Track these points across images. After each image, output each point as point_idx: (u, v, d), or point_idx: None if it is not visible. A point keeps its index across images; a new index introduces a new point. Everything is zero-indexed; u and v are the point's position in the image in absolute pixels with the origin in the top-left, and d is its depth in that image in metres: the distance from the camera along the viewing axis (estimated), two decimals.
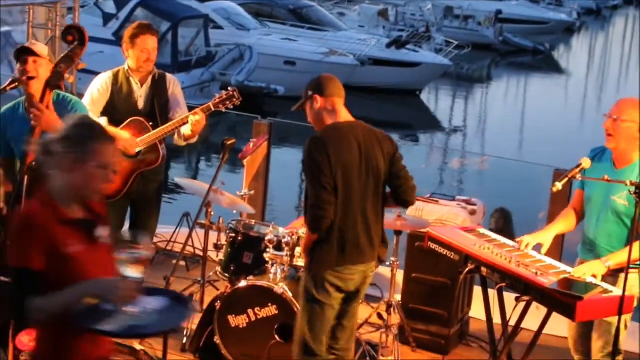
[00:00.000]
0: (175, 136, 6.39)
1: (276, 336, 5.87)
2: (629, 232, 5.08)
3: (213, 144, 19.12)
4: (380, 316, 6.69)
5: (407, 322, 6.76)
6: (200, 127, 6.25)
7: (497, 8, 43.59)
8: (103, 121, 6.28)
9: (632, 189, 4.74)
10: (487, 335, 5.50)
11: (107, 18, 23.56)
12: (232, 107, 6.31)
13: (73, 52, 5.17)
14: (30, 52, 5.20)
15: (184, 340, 6.47)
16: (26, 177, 4.98)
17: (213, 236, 7.06)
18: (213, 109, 6.25)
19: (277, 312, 5.90)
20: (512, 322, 5.12)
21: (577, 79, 38.91)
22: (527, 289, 4.82)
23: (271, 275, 6.00)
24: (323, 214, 5.00)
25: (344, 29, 31.04)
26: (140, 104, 6.44)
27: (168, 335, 5.32)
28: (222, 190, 6.63)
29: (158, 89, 6.48)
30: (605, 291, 4.80)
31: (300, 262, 6.09)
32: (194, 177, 16.23)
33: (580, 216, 5.48)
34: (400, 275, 6.93)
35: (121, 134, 6.26)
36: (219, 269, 6.48)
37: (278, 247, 6.08)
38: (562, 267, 5.11)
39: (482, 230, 5.67)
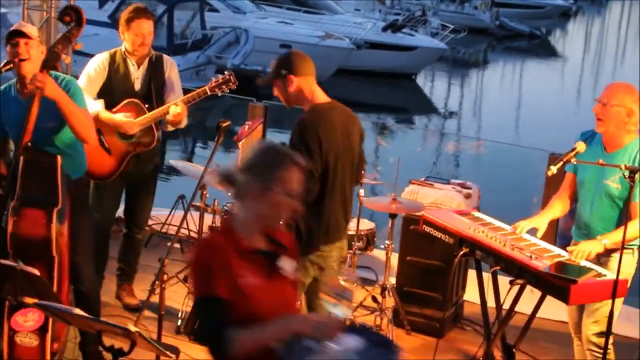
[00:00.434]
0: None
1: None
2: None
3: (209, 128, 19.15)
4: (374, 299, 6.70)
5: (402, 305, 6.77)
6: (180, 118, 6.26)
7: None
8: (100, 104, 6.29)
9: (627, 173, 4.76)
10: (481, 318, 5.52)
11: (102, 0, 23.49)
12: (228, 91, 6.31)
13: (70, 32, 5.16)
14: (21, 34, 5.18)
15: (179, 323, 6.48)
16: (22, 159, 4.98)
17: (208, 218, 7.07)
18: (209, 93, 6.25)
19: None
20: (506, 306, 5.14)
21: (573, 64, 38.92)
22: (522, 273, 4.84)
23: None
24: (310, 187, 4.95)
25: (340, 13, 31.02)
26: (137, 86, 6.44)
27: (162, 317, 5.34)
28: None
29: (155, 71, 6.48)
30: (599, 275, 4.81)
31: None
32: (189, 160, 16.23)
33: (573, 199, 5.49)
34: (394, 259, 6.94)
35: (117, 118, 6.27)
36: None
37: None
38: (557, 250, 5.12)
39: (477, 214, 5.68)
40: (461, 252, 5.21)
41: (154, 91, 6.41)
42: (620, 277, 4.74)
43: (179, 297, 6.74)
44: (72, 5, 5.67)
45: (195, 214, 7.37)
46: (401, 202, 6.51)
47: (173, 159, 7.18)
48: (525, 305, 5.17)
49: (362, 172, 5.52)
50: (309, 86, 5.07)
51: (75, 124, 5.11)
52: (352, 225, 6.49)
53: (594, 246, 5.07)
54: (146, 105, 6.33)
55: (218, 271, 3.39)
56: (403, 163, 6.78)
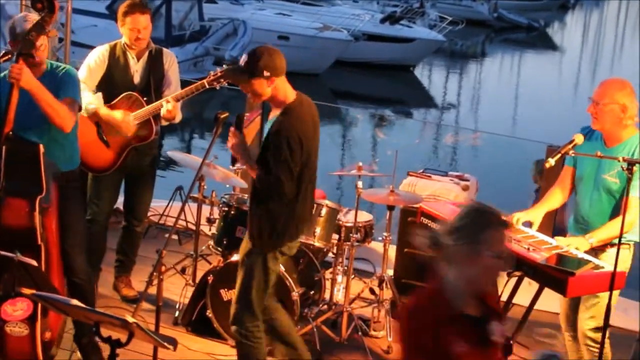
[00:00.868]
0: None
1: None
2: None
3: (206, 120, 19.14)
4: (372, 291, 6.70)
5: (399, 297, 6.77)
6: (172, 115, 6.26)
7: None
8: (99, 98, 6.28)
9: (625, 165, 4.76)
10: None
11: None
12: (226, 84, 6.30)
13: (43, 19, 5.14)
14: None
15: (177, 314, 6.48)
16: (4, 148, 4.97)
17: (206, 210, 7.07)
18: (207, 87, 6.24)
19: None
20: (504, 298, 5.14)
21: (571, 56, 38.93)
22: (519, 265, 4.84)
23: None
24: (278, 196, 5.03)
25: (337, 4, 31.04)
26: (136, 79, 6.43)
27: (160, 309, 5.34)
28: (215, 164, 6.62)
29: (154, 64, 6.47)
30: (597, 267, 4.82)
31: None
32: (187, 151, 16.24)
33: (569, 192, 5.49)
34: (392, 250, 6.94)
35: (116, 116, 6.26)
36: (211, 242, 6.48)
37: None
38: (554, 243, 5.12)
39: None
40: None
41: (153, 84, 6.40)
42: (618, 269, 4.74)
43: (177, 289, 6.74)
44: None
45: (193, 206, 7.38)
46: (399, 194, 6.51)
47: (170, 150, 7.15)
48: (523, 297, 5.17)
49: None
50: (283, 85, 5.13)
51: (51, 113, 5.10)
52: (350, 217, 6.50)
53: (581, 244, 5.08)
54: (144, 99, 6.32)
55: (427, 340, 3.33)
56: (401, 155, 6.77)
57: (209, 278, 6.09)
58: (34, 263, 4.53)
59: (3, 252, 4.58)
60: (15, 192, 4.98)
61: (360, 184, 6.40)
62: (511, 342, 5.23)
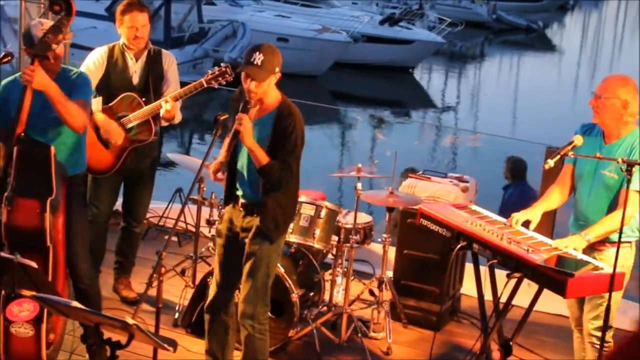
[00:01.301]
0: None
1: None
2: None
3: (205, 121, 19.13)
4: (371, 292, 6.71)
5: (399, 299, 6.78)
6: (171, 115, 6.26)
7: None
8: (98, 103, 6.28)
9: (624, 166, 4.77)
10: (478, 311, 5.52)
11: None
12: (224, 83, 6.30)
13: (60, 22, 5.15)
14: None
15: (176, 316, 6.48)
16: (15, 149, 4.97)
17: (205, 212, 7.07)
18: (206, 85, 6.24)
19: None
20: (503, 299, 5.14)
21: (570, 57, 38.94)
22: (519, 266, 4.83)
23: None
24: (288, 180, 5.15)
25: (337, 6, 31.01)
26: (135, 80, 6.43)
27: (160, 310, 5.34)
28: None
29: (153, 64, 6.47)
30: (596, 268, 4.81)
31: (292, 237, 6.11)
32: (187, 153, 16.23)
33: (569, 190, 5.49)
34: (392, 252, 6.94)
35: (112, 127, 6.27)
36: (211, 244, 6.48)
37: None
38: (554, 244, 5.12)
39: (474, 207, 5.68)
40: (458, 246, 5.21)
41: (151, 85, 6.40)
42: (618, 270, 4.74)
43: (177, 290, 6.75)
44: None
45: (193, 207, 7.38)
46: (398, 195, 6.52)
47: (170, 152, 7.16)
48: (522, 299, 5.17)
49: None
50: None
51: (64, 114, 5.10)
52: (349, 219, 6.51)
53: (577, 243, 5.08)
54: (143, 99, 6.32)
55: None
56: (400, 156, 6.78)
57: (208, 280, 6.08)
58: (34, 264, 4.53)
59: (3, 254, 4.58)
60: (26, 193, 4.98)
61: (359, 185, 6.41)
62: (511, 343, 5.26)
